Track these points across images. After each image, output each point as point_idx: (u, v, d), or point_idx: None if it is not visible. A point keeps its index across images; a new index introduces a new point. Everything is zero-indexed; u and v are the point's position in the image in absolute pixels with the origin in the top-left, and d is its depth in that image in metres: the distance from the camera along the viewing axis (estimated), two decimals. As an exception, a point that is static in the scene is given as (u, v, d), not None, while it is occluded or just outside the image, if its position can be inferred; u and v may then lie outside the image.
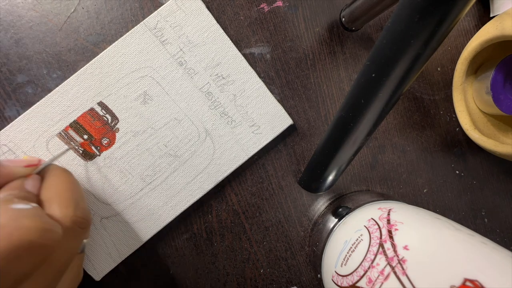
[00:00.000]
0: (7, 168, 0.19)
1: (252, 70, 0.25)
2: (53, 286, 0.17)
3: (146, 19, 0.24)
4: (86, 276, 0.25)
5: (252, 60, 0.27)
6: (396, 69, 0.15)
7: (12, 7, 0.24)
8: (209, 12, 0.25)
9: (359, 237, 0.21)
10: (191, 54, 0.25)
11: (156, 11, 0.24)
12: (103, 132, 0.24)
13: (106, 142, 0.24)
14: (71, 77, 0.23)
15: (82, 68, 0.24)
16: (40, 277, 0.16)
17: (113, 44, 0.24)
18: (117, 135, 0.25)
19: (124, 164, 0.25)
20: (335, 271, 0.22)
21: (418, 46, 0.14)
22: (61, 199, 0.19)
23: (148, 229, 0.25)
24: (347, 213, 0.25)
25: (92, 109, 0.24)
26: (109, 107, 0.24)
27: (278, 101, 0.26)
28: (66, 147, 0.24)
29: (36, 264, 0.16)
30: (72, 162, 0.24)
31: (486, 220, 0.31)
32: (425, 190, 0.30)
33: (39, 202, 0.19)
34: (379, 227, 0.21)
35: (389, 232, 0.20)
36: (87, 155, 0.24)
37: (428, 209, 0.29)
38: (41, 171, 0.21)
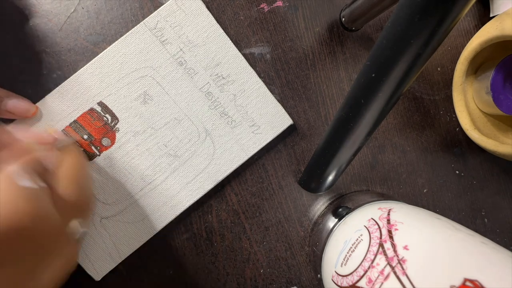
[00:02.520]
0: (19, 142, 0.18)
1: (252, 70, 0.25)
2: (36, 268, 0.17)
3: (146, 19, 0.24)
4: (86, 276, 0.25)
5: (252, 60, 0.27)
6: (396, 69, 0.15)
7: (12, 7, 0.24)
8: (209, 12, 0.25)
9: (359, 237, 0.21)
10: (191, 54, 0.25)
11: (156, 11, 0.24)
12: (103, 132, 0.24)
13: (106, 142, 0.24)
14: (71, 77, 0.23)
15: (82, 68, 0.24)
16: (24, 258, 0.16)
17: (113, 44, 0.24)
18: (117, 135, 0.25)
19: (124, 164, 0.25)
20: (335, 271, 0.22)
21: (418, 46, 0.14)
22: (68, 179, 0.19)
23: (148, 229, 0.25)
24: (347, 213, 0.25)
25: (92, 109, 0.24)
26: (109, 107, 0.24)
27: (278, 101, 0.26)
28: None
29: (22, 247, 0.16)
30: (72, 162, 0.24)
31: (486, 220, 0.31)
32: (425, 190, 0.30)
33: (52, 180, 0.19)
34: (379, 227, 0.21)
35: (389, 232, 0.20)
36: (87, 155, 0.24)
37: (428, 209, 0.29)
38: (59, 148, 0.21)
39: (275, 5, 0.26)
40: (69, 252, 0.19)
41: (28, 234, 0.16)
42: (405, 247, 0.18)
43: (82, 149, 0.24)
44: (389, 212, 0.22)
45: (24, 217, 0.15)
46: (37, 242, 0.17)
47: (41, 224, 0.16)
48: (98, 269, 0.25)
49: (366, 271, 0.19)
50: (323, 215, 0.28)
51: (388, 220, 0.21)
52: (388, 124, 0.29)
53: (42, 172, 0.18)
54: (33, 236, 0.16)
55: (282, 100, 0.27)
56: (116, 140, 0.25)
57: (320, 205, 0.29)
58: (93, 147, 0.24)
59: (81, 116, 0.24)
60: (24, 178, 0.16)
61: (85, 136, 0.24)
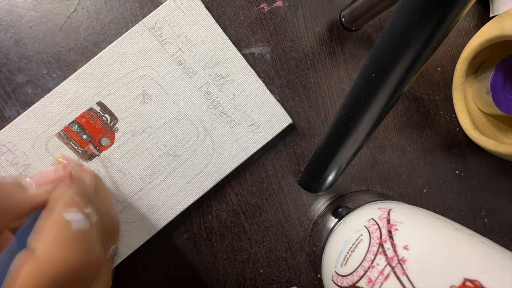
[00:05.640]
0: (37, 197, 0.16)
1: (251, 69, 0.25)
2: None
3: (144, 18, 0.24)
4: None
5: (252, 60, 0.27)
6: (396, 69, 0.15)
7: (12, 7, 0.24)
8: (208, 12, 0.24)
9: (359, 237, 0.21)
10: (190, 53, 0.25)
11: (154, 11, 0.24)
12: (102, 132, 0.24)
13: (105, 142, 0.24)
14: (70, 77, 0.23)
15: (81, 68, 0.24)
16: None
17: (112, 44, 0.24)
18: (116, 135, 0.25)
19: (123, 164, 0.25)
20: (335, 271, 0.22)
21: (418, 46, 0.14)
22: (108, 201, 0.18)
23: (147, 229, 0.25)
24: (347, 213, 0.25)
25: (91, 109, 0.24)
26: (108, 107, 0.24)
27: (278, 101, 0.26)
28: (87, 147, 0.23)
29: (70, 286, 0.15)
30: (71, 162, 0.24)
31: (486, 220, 0.31)
32: (425, 190, 0.30)
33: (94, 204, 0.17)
34: (379, 227, 0.21)
35: (389, 232, 0.20)
36: (87, 155, 0.24)
37: (428, 209, 0.29)
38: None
39: (275, 5, 0.26)
40: (105, 272, 0.19)
41: (76, 278, 0.15)
42: (405, 247, 0.18)
43: (82, 149, 0.24)
44: (389, 212, 0.22)
45: (74, 270, 0.14)
46: (84, 281, 0.16)
47: (90, 265, 0.15)
48: (97, 269, 0.25)
49: (366, 271, 0.19)
50: (323, 215, 0.28)
51: (388, 220, 0.21)
52: (388, 124, 0.29)
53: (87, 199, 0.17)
54: (81, 277, 0.15)
55: (282, 100, 0.27)
56: (116, 140, 0.25)
57: (320, 205, 0.29)
58: (92, 147, 0.24)
59: (80, 116, 0.24)
60: (76, 211, 0.15)
61: (84, 136, 0.24)
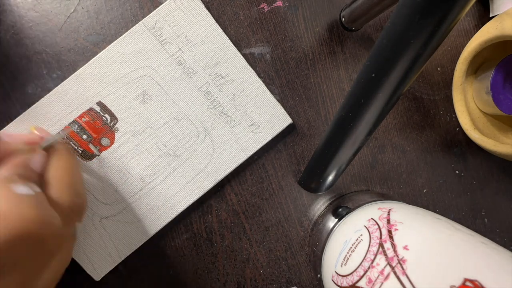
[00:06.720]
0: (8, 145, 0.18)
1: (251, 69, 0.25)
2: (41, 271, 0.17)
3: (144, 18, 0.24)
4: (86, 276, 0.25)
5: (252, 60, 0.27)
6: (396, 69, 0.15)
7: (12, 7, 0.24)
8: (208, 12, 0.24)
9: (359, 237, 0.21)
10: (190, 53, 0.25)
11: (154, 11, 0.24)
12: (102, 132, 0.24)
13: (105, 142, 0.24)
14: (70, 77, 0.23)
15: (81, 68, 0.24)
16: (30, 263, 0.16)
17: (112, 44, 0.24)
18: (116, 135, 0.25)
19: (123, 164, 0.25)
20: (335, 271, 0.22)
21: (418, 46, 0.14)
22: (61, 182, 0.19)
23: (147, 229, 0.25)
24: (347, 213, 0.25)
25: (91, 109, 0.24)
26: (108, 106, 0.24)
27: (278, 101, 0.26)
28: (69, 127, 0.23)
29: (29, 253, 0.16)
30: (71, 162, 0.24)
31: (486, 220, 0.31)
32: (425, 190, 0.30)
33: (41, 181, 0.18)
34: (379, 227, 0.21)
35: (389, 232, 0.20)
36: (87, 155, 0.24)
37: (428, 209, 0.29)
38: (46, 147, 0.20)
39: (275, 5, 0.26)
40: (67, 250, 0.19)
41: (34, 240, 0.16)
42: (405, 247, 0.18)
43: (82, 149, 0.24)
44: (389, 212, 0.22)
45: (30, 224, 0.15)
46: (43, 247, 0.17)
47: (46, 228, 0.16)
48: (98, 269, 0.25)
49: (366, 271, 0.19)
50: (323, 215, 0.28)
51: (388, 220, 0.21)
52: (388, 124, 0.29)
53: (31, 176, 0.18)
54: (40, 241, 0.16)
55: (282, 100, 0.27)
56: (116, 140, 0.25)
57: (320, 205, 0.29)
58: (92, 147, 0.24)
59: (80, 116, 0.24)
60: (19, 184, 0.16)
61: (84, 136, 0.24)
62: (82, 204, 0.20)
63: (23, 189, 0.16)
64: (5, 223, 0.15)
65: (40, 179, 0.19)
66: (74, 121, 0.24)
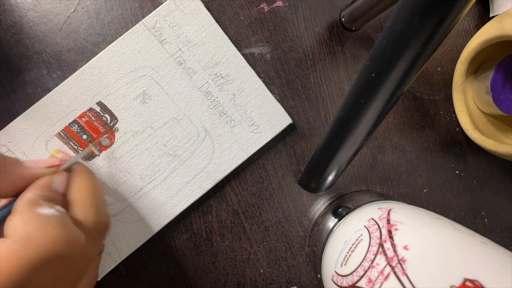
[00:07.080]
0: (31, 169, 0.18)
1: (251, 69, 0.25)
2: None
3: (144, 18, 0.24)
4: (86, 276, 0.25)
5: (252, 60, 0.27)
6: (396, 69, 0.15)
7: (12, 7, 0.24)
8: (208, 12, 0.24)
9: (359, 237, 0.21)
10: (190, 53, 0.25)
11: (154, 11, 0.24)
12: (102, 132, 0.24)
13: (105, 142, 0.24)
14: (70, 77, 0.23)
15: (81, 68, 0.24)
16: (60, 283, 0.16)
17: (112, 44, 0.24)
18: (117, 134, 0.25)
19: (123, 164, 0.25)
20: (335, 271, 0.22)
21: (418, 46, 0.14)
22: (85, 203, 0.19)
23: (147, 228, 0.25)
24: (347, 213, 0.25)
25: (91, 109, 0.24)
26: (108, 107, 0.24)
27: (278, 101, 0.26)
28: (89, 147, 0.24)
29: (58, 273, 0.16)
30: (71, 162, 0.24)
31: (486, 220, 0.31)
32: (425, 190, 0.30)
33: (65, 202, 0.19)
34: (379, 227, 0.21)
35: (389, 232, 0.20)
36: (87, 155, 0.24)
37: (428, 209, 0.29)
38: (68, 168, 0.21)
39: (275, 5, 0.26)
40: (94, 268, 0.20)
41: (63, 260, 0.16)
42: (405, 247, 0.18)
43: (82, 149, 0.24)
44: (389, 212, 0.22)
45: (57, 244, 0.15)
46: (72, 267, 0.17)
47: (73, 248, 0.16)
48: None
49: (366, 271, 0.19)
50: (323, 215, 0.28)
51: (388, 220, 0.21)
52: (388, 124, 0.29)
53: (55, 197, 0.18)
54: (68, 261, 0.16)
55: (282, 100, 0.27)
56: (116, 140, 0.25)
57: (320, 205, 0.29)
58: (92, 147, 0.24)
59: (80, 116, 0.24)
60: (44, 206, 0.16)
61: (84, 136, 0.24)
62: (106, 222, 0.20)
63: (48, 211, 0.16)
64: (34, 245, 0.15)
65: (63, 200, 0.19)
66: (74, 121, 0.24)
